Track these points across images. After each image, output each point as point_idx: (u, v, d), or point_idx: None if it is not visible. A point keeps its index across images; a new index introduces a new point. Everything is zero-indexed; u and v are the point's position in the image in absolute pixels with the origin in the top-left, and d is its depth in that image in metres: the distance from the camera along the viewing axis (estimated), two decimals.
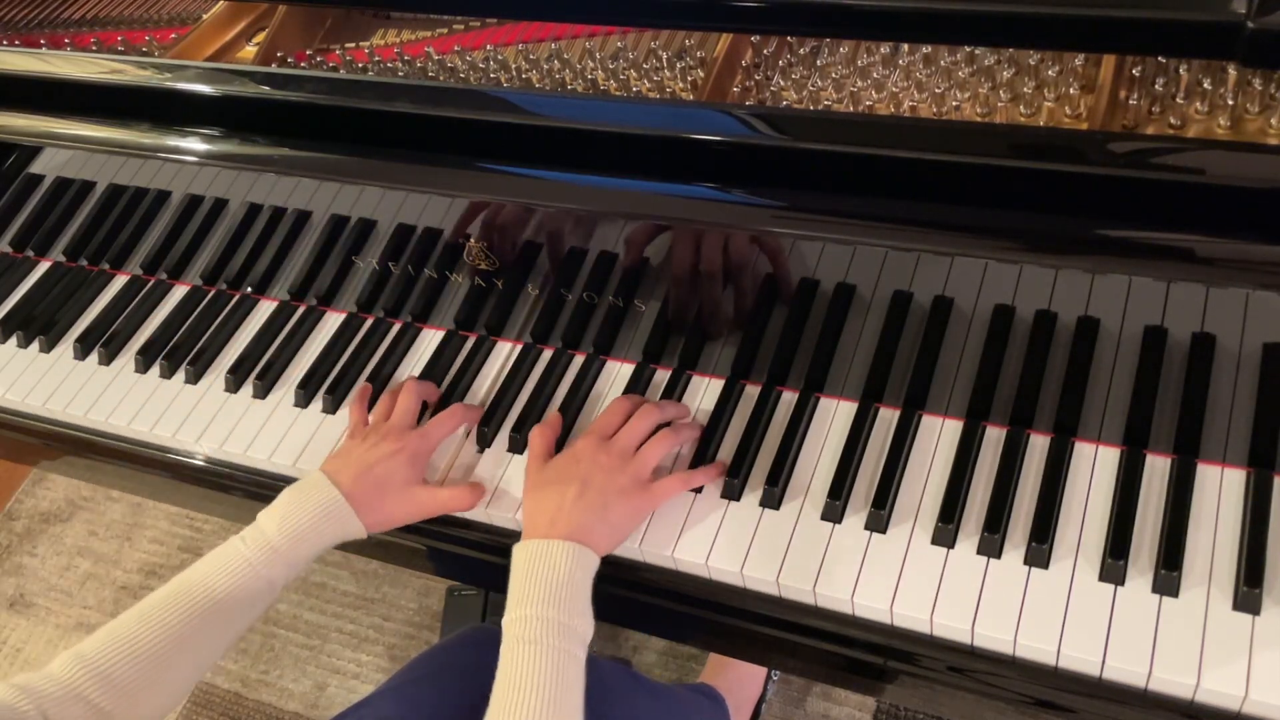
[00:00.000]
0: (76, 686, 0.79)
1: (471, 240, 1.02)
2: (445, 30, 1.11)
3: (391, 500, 0.94)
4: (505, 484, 0.98)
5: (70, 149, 1.16)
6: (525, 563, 0.84)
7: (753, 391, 0.98)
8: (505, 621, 0.82)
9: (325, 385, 1.09)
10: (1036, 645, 0.79)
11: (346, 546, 0.97)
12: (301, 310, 1.16)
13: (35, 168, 1.23)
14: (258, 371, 1.12)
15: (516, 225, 0.99)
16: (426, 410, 1.04)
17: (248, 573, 0.87)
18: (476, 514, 0.97)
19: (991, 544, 0.84)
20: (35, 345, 1.21)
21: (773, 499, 0.90)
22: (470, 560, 1.01)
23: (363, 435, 0.99)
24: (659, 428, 0.95)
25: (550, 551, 0.84)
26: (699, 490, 0.93)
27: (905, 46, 0.94)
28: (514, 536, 0.95)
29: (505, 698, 0.78)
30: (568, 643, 0.80)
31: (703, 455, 0.94)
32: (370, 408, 1.04)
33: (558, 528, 0.86)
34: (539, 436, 0.96)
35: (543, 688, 0.77)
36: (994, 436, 0.90)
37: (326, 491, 0.92)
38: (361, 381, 1.08)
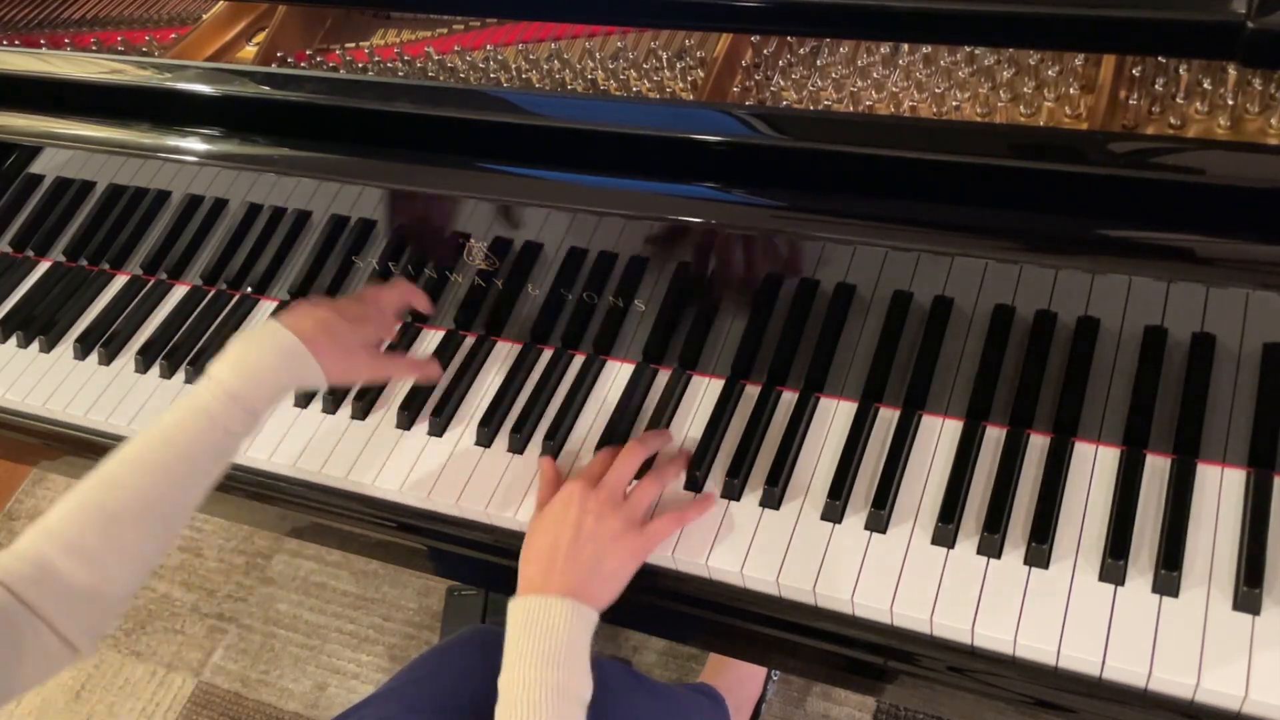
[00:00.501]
0: (45, 559, 0.75)
1: (471, 240, 1.02)
2: (445, 30, 1.11)
3: (349, 355, 0.93)
4: (505, 486, 0.98)
5: (70, 149, 1.16)
6: (523, 621, 0.82)
7: (753, 391, 0.98)
8: (502, 682, 0.80)
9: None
10: (1036, 645, 0.79)
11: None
12: None
13: (35, 168, 1.23)
14: None
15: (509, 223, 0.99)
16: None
17: (206, 423, 0.83)
18: (478, 515, 0.97)
19: (991, 544, 0.84)
20: (35, 345, 1.21)
21: (773, 499, 0.90)
22: (470, 560, 1.01)
23: (309, 301, 0.97)
24: (650, 461, 0.94)
25: (549, 610, 0.82)
26: (698, 491, 0.93)
27: (905, 46, 0.94)
28: (514, 536, 0.96)
29: None
30: (567, 705, 0.78)
31: (702, 457, 0.94)
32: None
33: (553, 583, 0.83)
34: (542, 487, 0.94)
35: None
36: (994, 436, 0.90)
37: (281, 334, 0.89)
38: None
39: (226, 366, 0.86)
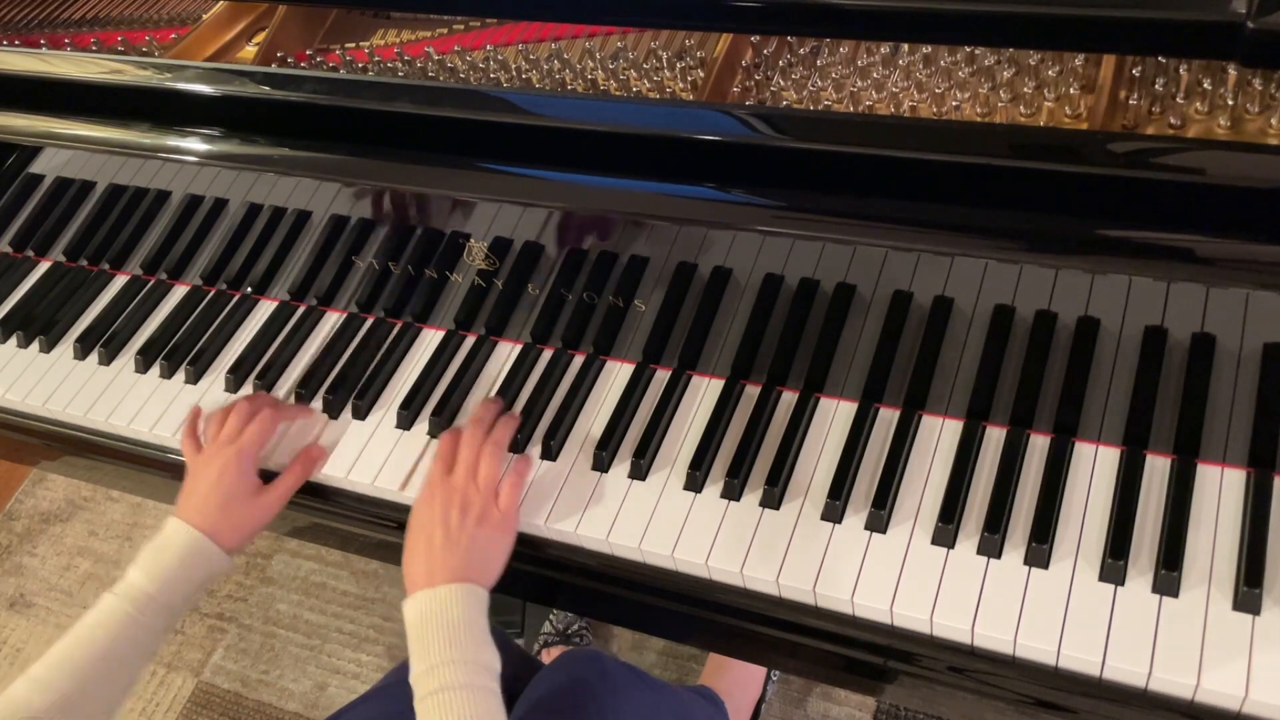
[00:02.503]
0: None
1: (471, 240, 1.02)
2: (445, 30, 1.11)
3: (239, 513, 0.97)
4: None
5: (70, 149, 1.16)
6: (417, 617, 0.86)
7: (753, 391, 0.98)
8: (412, 680, 0.83)
9: (325, 386, 1.09)
10: (1036, 645, 0.79)
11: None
12: (301, 310, 1.16)
13: (35, 168, 1.23)
14: (258, 371, 1.12)
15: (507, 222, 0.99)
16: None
17: (127, 623, 0.89)
18: None
19: (991, 544, 0.84)
20: (35, 345, 1.21)
21: (773, 499, 0.90)
22: None
23: (192, 466, 1.01)
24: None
25: (438, 598, 0.86)
26: (698, 490, 0.93)
27: (905, 46, 0.94)
28: (514, 536, 0.96)
29: None
30: (478, 677, 0.82)
31: (702, 456, 0.94)
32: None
33: (436, 576, 0.87)
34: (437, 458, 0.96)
35: None
36: (994, 436, 0.90)
37: (184, 534, 0.94)
38: (195, 406, 1.07)
39: (141, 574, 0.92)
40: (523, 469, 0.96)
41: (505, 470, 0.96)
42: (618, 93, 0.99)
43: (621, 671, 1.06)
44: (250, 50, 1.16)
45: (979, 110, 0.88)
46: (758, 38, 0.99)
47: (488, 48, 1.07)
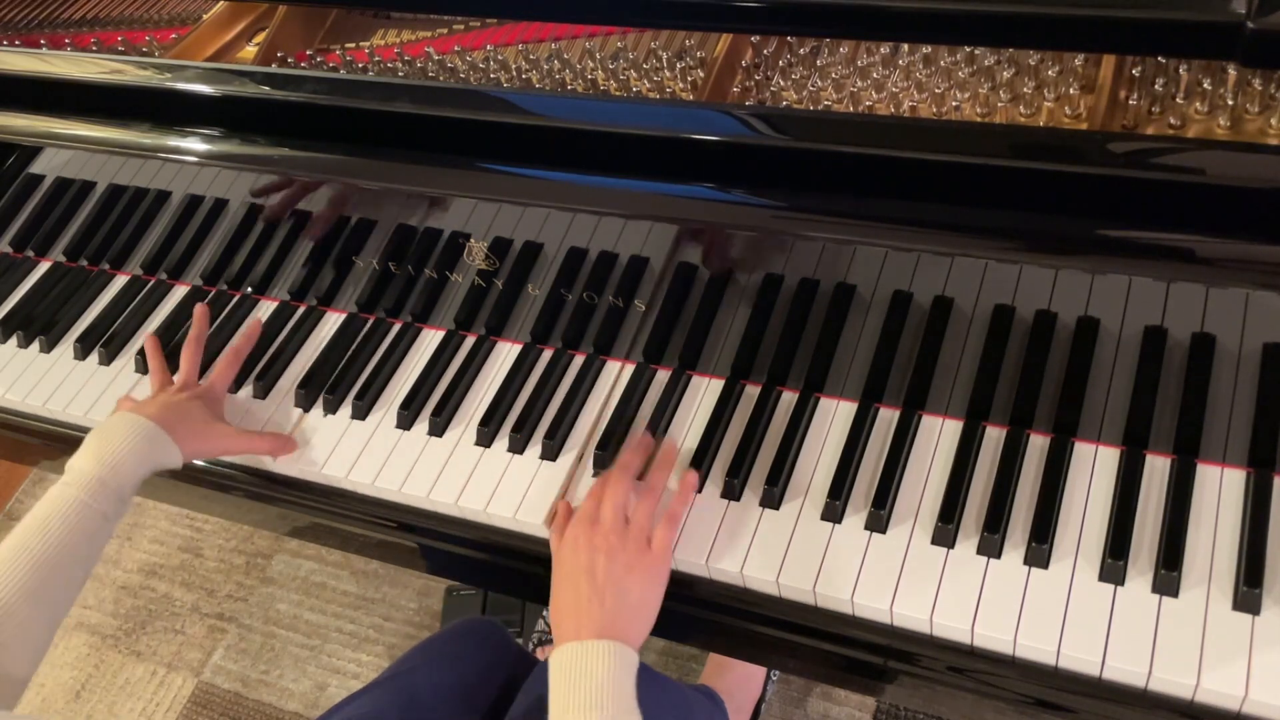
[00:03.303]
0: None
1: (471, 240, 1.02)
2: (445, 30, 1.11)
3: (198, 431, 0.99)
4: (505, 483, 0.98)
5: (70, 149, 1.16)
6: (562, 672, 0.80)
7: (753, 391, 0.98)
8: None
9: (326, 386, 1.09)
10: (1036, 645, 0.79)
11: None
12: (301, 310, 1.16)
13: (35, 168, 1.23)
14: (258, 372, 1.12)
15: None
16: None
17: (81, 511, 0.88)
18: (476, 514, 0.97)
19: (991, 544, 0.84)
20: (35, 345, 1.21)
21: (773, 499, 0.90)
22: (469, 560, 1.01)
23: (150, 398, 1.03)
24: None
25: (586, 654, 0.80)
26: (698, 491, 0.93)
27: (905, 46, 0.94)
28: (513, 536, 0.96)
29: None
30: None
31: (702, 456, 0.94)
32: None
33: (585, 629, 0.82)
34: (555, 526, 0.92)
35: None
36: (994, 436, 0.90)
37: (133, 420, 0.94)
38: (150, 334, 1.14)
39: (88, 459, 0.92)
40: (678, 508, 0.90)
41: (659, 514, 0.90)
42: (618, 93, 0.99)
43: None
44: (250, 50, 1.16)
45: (979, 110, 0.88)
46: (758, 38, 0.99)
47: (488, 48, 1.07)
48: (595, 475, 0.96)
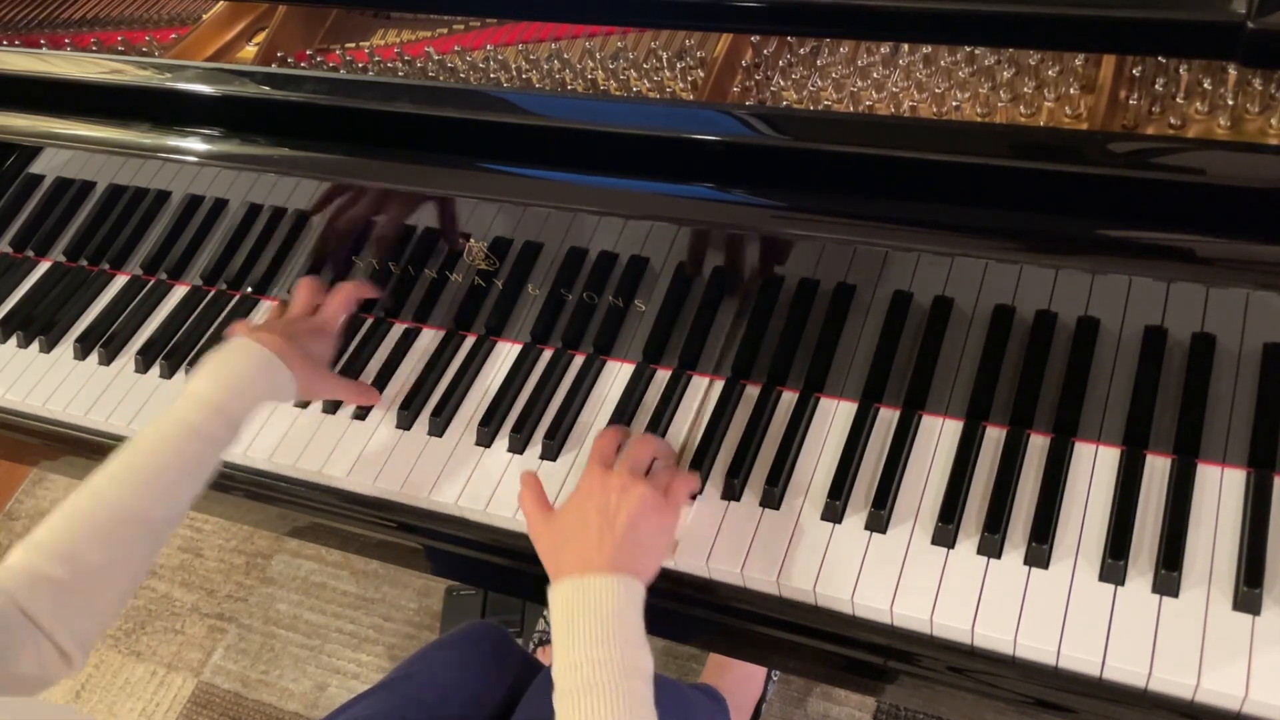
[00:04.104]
0: (39, 571, 0.77)
1: (471, 240, 1.02)
2: (445, 30, 1.11)
3: (314, 371, 0.98)
4: (505, 483, 0.98)
5: (70, 149, 1.16)
6: (566, 605, 0.77)
7: (753, 391, 0.98)
8: (556, 671, 0.75)
9: None
10: (1036, 645, 0.79)
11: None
12: None
13: (35, 168, 1.23)
14: None
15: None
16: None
17: (188, 434, 0.86)
18: (476, 514, 0.97)
19: (991, 544, 0.84)
20: (35, 345, 1.21)
21: (773, 499, 0.90)
22: (470, 560, 1.01)
23: (267, 325, 1.02)
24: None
25: (592, 588, 0.77)
26: (699, 492, 0.93)
27: (905, 46, 0.94)
28: (513, 536, 0.96)
29: None
30: (628, 680, 0.73)
31: (702, 456, 0.94)
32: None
33: (594, 561, 0.79)
34: (527, 495, 0.89)
35: None
36: (994, 436, 0.90)
37: (254, 347, 0.93)
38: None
39: (205, 380, 0.90)
40: (693, 480, 0.90)
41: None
42: (618, 93, 0.99)
43: None
44: (250, 50, 1.16)
45: (979, 110, 0.88)
46: (758, 38, 0.99)
47: (488, 48, 1.07)
48: None
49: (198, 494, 0.88)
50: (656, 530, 0.84)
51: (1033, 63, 0.89)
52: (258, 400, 0.92)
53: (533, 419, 1.01)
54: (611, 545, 0.80)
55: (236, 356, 0.92)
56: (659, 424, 0.98)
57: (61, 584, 0.77)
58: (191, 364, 1.13)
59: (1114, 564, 0.80)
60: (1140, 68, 0.85)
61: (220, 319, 1.17)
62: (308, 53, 1.13)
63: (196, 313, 1.19)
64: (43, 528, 0.80)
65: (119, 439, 1.13)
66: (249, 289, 1.19)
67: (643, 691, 0.74)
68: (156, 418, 0.88)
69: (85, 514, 0.81)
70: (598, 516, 0.82)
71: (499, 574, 1.00)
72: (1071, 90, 0.87)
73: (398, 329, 1.12)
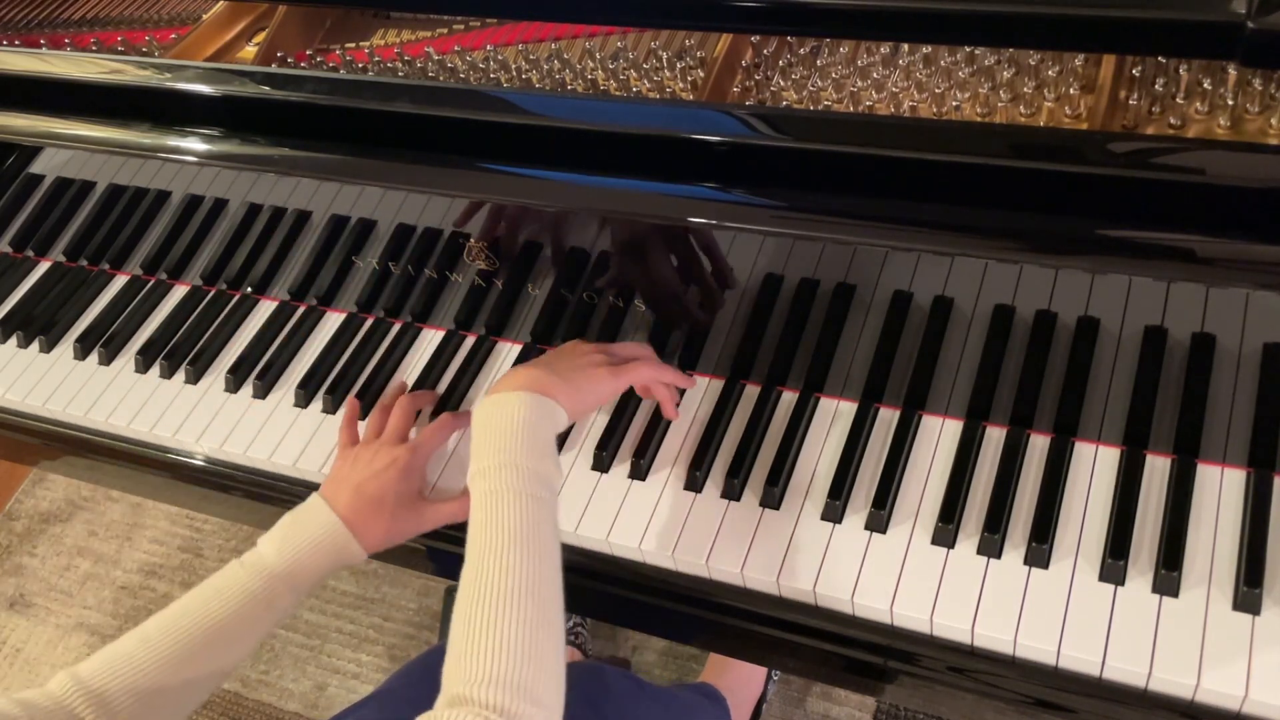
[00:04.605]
0: (72, 707, 0.77)
1: (471, 240, 1.02)
2: (445, 30, 1.11)
3: (389, 518, 0.91)
4: None
5: (70, 149, 1.16)
6: (482, 418, 0.82)
7: (753, 391, 0.98)
8: (468, 479, 0.80)
9: (325, 385, 1.09)
10: (1036, 645, 0.79)
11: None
12: (301, 310, 1.16)
13: (35, 168, 1.23)
14: (258, 371, 1.12)
15: (510, 224, 0.99)
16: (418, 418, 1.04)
17: (246, 600, 0.86)
18: None
19: (991, 544, 0.84)
20: (35, 345, 1.21)
21: (773, 499, 0.90)
22: None
23: (353, 455, 0.96)
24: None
25: (504, 402, 0.83)
26: (698, 490, 0.93)
27: (905, 46, 0.94)
28: None
29: (476, 550, 0.75)
30: (532, 486, 0.78)
31: (702, 456, 0.94)
32: (363, 418, 1.04)
33: (513, 384, 0.85)
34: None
35: (513, 532, 0.74)
36: (994, 436, 0.90)
37: (324, 516, 0.90)
38: (351, 396, 1.07)
39: (272, 548, 0.88)
40: (675, 374, 0.95)
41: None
42: (618, 93, 0.99)
43: (624, 684, 1.06)
44: (250, 50, 1.15)
45: (979, 110, 0.88)
46: (758, 38, 0.99)
47: (488, 48, 1.07)
48: (594, 471, 0.96)
49: (249, 651, 0.88)
50: (593, 384, 0.88)
51: (1033, 63, 0.89)
52: (322, 572, 0.89)
53: None
54: (543, 375, 0.86)
55: (307, 526, 0.89)
56: (659, 423, 0.98)
57: None
58: (192, 364, 1.13)
59: (1114, 564, 0.80)
60: (1140, 68, 0.85)
61: (220, 319, 1.17)
62: (308, 53, 1.13)
63: (196, 313, 1.19)
64: (89, 662, 0.80)
65: (119, 439, 1.13)
66: (249, 289, 1.19)
67: (544, 496, 0.78)
68: (223, 572, 0.87)
69: (128, 660, 0.81)
70: (548, 358, 0.90)
71: None
72: (1071, 90, 0.87)
73: (397, 329, 1.12)
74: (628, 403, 1.00)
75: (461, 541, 0.99)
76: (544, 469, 0.80)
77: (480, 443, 0.81)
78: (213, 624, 0.84)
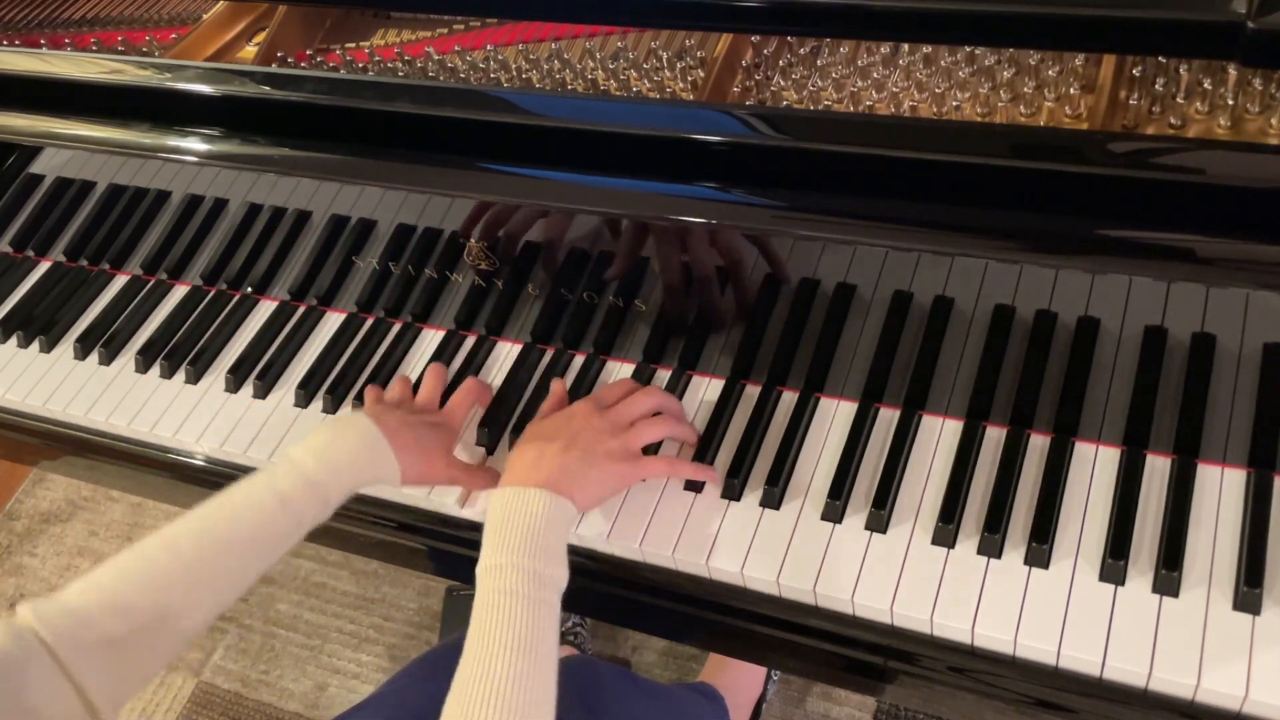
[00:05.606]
0: (89, 615, 0.73)
1: (472, 240, 1.02)
2: (445, 30, 1.11)
3: (428, 457, 0.93)
4: None
5: (70, 149, 1.16)
6: (501, 509, 0.83)
7: (753, 391, 0.98)
8: (480, 569, 0.80)
9: (325, 385, 1.09)
10: (1037, 645, 0.79)
11: (348, 544, 0.95)
12: (301, 310, 1.16)
13: (35, 168, 1.23)
14: (258, 371, 1.12)
15: (513, 223, 0.99)
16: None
17: (278, 506, 0.82)
18: (477, 515, 0.97)
19: (992, 544, 0.84)
20: (35, 345, 1.21)
21: (773, 499, 0.90)
22: (471, 560, 1.00)
23: (392, 404, 0.98)
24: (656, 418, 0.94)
25: (526, 499, 0.83)
26: (699, 490, 0.93)
27: (905, 46, 0.94)
28: None
29: (480, 647, 0.75)
30: (543, 591, 0.79)
31: (702, 456, 0.94)
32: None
33: (534, 476, 0.85)
34: (548, 402, 0.97)
35: (519, 637, 0.75)
36: (994, 436, 0.90)
37: (367, 427, 0.90)
38: (361, 380, 1.08)
39: (310, 454, 0.86)
40: (696, 467, 0.92)
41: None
42: (618, 93, 0.99)
43: (617, 678, 1.06)
44: (250, 50, 1.16)
45: (979, 110, 0.88)
46: (758, 38, 0.99)
47: (488, 48, 1.07)
48: None
49: (269, 566, 0.84)
50: (609, 480, 0.88)
51: (1033, 63, 0.89)
52: (358, 484, 0.88)
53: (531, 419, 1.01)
54: (557, 469, 0.85)
55: (346, 434, 0.89)
56: None
57: (108, 636, 0.73)
58: (192, 364, 1.13)
59: (1114, 564, 0.80)
60: (1140, 68, 0.85)
61: (220, 319, 1.17)
62: (308, 53, 1.13)
63: (197, 313, 1.19)
64: (108, 568, 0.76)
65: (119, 439, 1.13)
66: (249, 289, 1.19)
67: (553, 601, 0.79)
68: (251, 478, 0.84)
69: (150, 565, 0.77)
70: (563, 442, 0.87)
71: None
72: (1071, 90, 0.87)
73: (398, 329, 1.12)
74: None
75: (463, 541, 1.00)
76: (555, 574, 0.80)
77: (494, 535, 0.81)
78: (238, 535, 0.81)
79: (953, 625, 0.81)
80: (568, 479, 0.85)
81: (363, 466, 0.88)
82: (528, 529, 0.81)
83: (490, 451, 1.01)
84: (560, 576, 0.81)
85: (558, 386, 0.99)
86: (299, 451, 0.86)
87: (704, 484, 0.93)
